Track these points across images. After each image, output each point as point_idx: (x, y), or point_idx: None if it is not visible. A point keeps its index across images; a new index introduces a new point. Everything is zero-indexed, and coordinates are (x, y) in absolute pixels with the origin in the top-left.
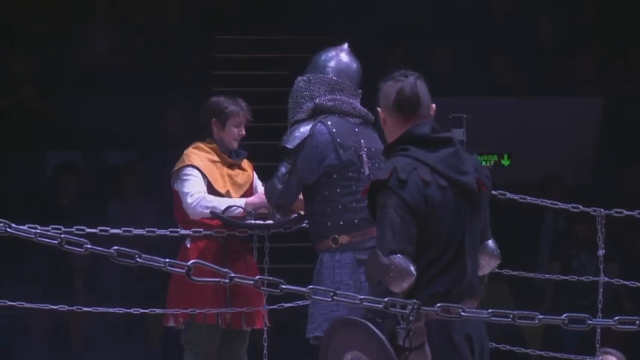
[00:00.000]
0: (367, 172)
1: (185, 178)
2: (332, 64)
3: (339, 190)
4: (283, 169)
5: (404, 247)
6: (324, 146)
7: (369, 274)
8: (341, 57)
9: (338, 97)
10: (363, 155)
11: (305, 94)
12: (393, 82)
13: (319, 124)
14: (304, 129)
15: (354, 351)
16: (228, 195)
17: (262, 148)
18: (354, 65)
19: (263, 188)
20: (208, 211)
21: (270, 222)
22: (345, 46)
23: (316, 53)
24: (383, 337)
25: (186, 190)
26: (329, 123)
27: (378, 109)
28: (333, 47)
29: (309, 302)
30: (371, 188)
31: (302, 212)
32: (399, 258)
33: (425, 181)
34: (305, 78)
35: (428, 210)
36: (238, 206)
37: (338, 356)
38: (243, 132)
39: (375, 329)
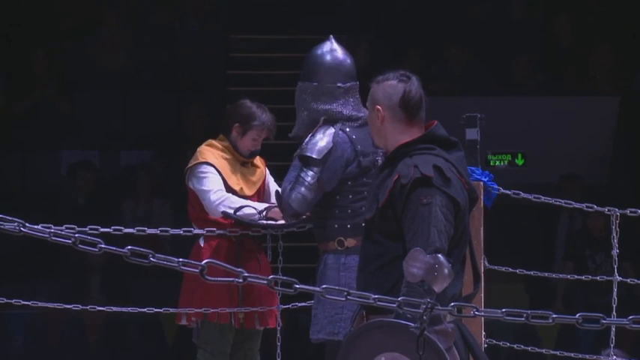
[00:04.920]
0: None
1: (202, 175)
2: (326, 67)
3: (351, 196)
4: (310, 179)
5: (445, 247)
6: (348, 155)
7: (410, 273)
8: (333, 55)
9: (337, 106)
10: (379, 161)
11: (303, 104)
12: (396, 81)
13: (340, 132)
14: (326, 138)
15: (390, 352)
16: (241, 192)
17: (278, 148)
18: (348, 60)
19: (284, 195)
20: (232, 211)
21: (282, 222)
22: (333, 42)
23: (306, 57)
24: (434, 338)
25: (206, 187)
26: (347, 130)
27: (378, 106)
28: (319, 45)
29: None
30: (400, 185)
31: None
32: (442, 257)
33: (462, 181)
34: (303, 88)
35: (462, 210)
36: (254, 207)
37: (366, 358)
38: (259, 146)
39: (425, 332)
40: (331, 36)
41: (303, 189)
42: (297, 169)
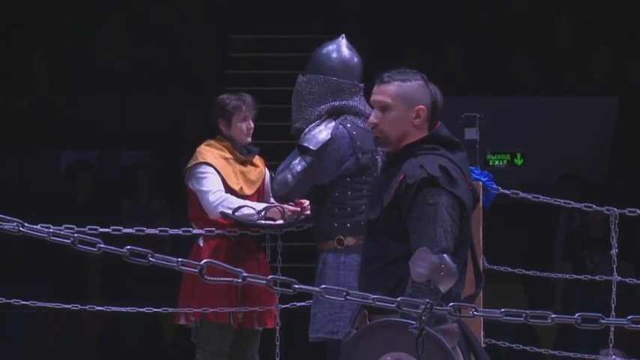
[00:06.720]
0: None
1: (201, 176)
2: (333, 62)
3: (349, 193)
4: (299, 167)
5: (450, 247)
6: (345, 150)
7: (416, 273)
8: (341, 53)
9: (345, 102)
10: (379, 159)
11: (309, 97)
12: (422, 81)
13: (340, 126)
14: (326, 131)
15: (395, 352)
16: (241, 192)
17: (277, 148)
18: (355, 60)
19: (270, 180)
20: (231, 211)
21: (281, 221)
22: (343, 40)
23: (315, 50)
24: (440, 337)
25: (205, 188)
26: (348, 125)
27: (421, 106)
28: (330, 42)
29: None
30: (406, 185)
31: (309, 212)
32: (448, 257)
33: (466, 181)
34: (306, 79)
35: (467, 211)
36: (252, 207)
37: (372, 358)
38: (252, 125)
39: (432, 330)
40: (343, 35)
41: (289, 175)
42: (293, 156)
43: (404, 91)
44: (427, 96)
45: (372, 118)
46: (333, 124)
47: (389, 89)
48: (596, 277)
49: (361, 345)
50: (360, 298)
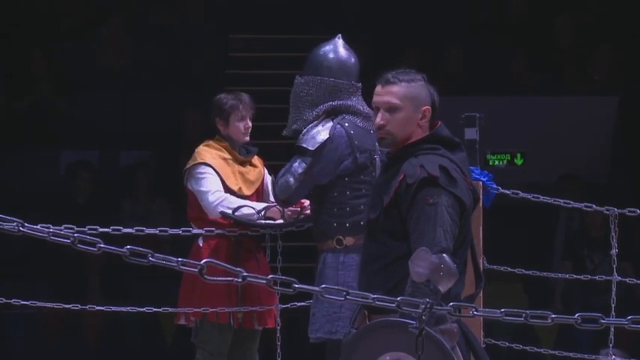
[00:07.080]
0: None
1: (200, 176)
2: (331, 62)
3: (348, 193)
4: (300, 169)
5: (450, 247)
6: (343, 149)
7: (415, 273)
8: (338, 53)
9: (342, 102)
10: (377, 159)
11: (307, 98)
12: (424, 82)
13: (338, 126)
14: (324, 131)
15: (395, 352)
16: (240, 192)
17: (276, 148)
18: (352, 60)
19: (271, 184)
20: (230, 211)
21: (281, 221)
22: (340, 40)
23: (312, 51)
24: (439, 337)
25: (204, 188)
26: (346, 125)
27: (427, 107)
28: (326, 42)
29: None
30: (406, 185)
31: (309, 212)
32: (448, 257)
33: (466, 181)
34: (303, 80)
35: (467, 211)
36: (252, 207)
37: (371, 358)
38: (249, 124)
39: (431, 330)
40: (339, 35)
41: (291, 178)
42: (294, 159)
43: (411, 91)
44: (429, 96)
45: (379, 120)
46: (330, 124)
47: (396, 90)
48: (596, 277)
49: (361, 345)
50: (360, 297)
